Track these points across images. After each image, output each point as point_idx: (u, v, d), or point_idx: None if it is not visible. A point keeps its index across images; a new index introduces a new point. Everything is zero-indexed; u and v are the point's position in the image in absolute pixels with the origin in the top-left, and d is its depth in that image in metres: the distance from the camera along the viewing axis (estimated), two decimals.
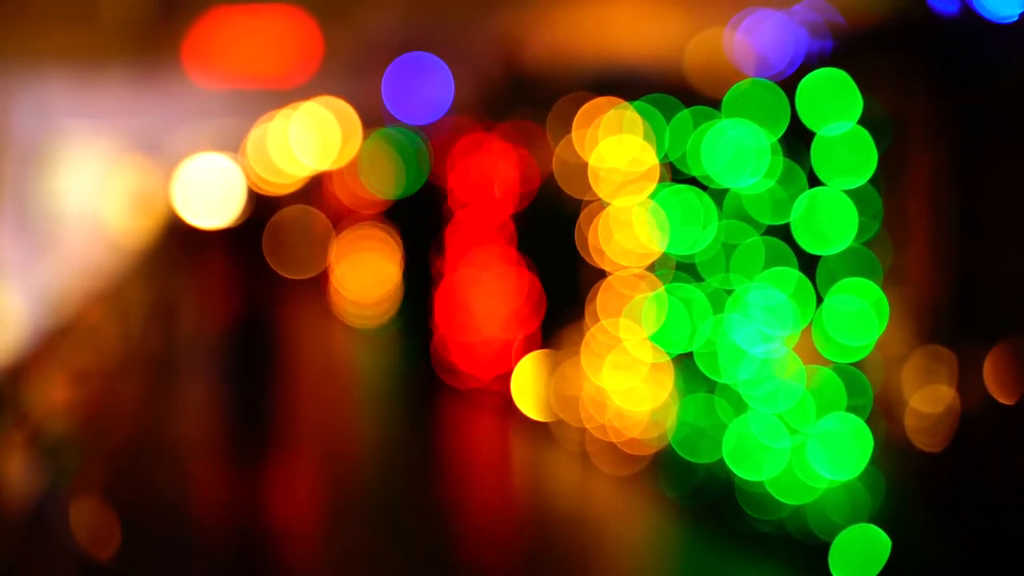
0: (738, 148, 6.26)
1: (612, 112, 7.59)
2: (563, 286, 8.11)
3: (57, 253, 16.88)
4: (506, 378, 8.87)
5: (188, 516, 6.58)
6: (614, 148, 7.58)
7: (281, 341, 7.26)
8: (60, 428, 6.23)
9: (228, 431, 7.77)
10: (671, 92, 6.98)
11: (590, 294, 7.68)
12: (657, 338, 7.00)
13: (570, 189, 8.07)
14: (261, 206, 7.17)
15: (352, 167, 14.32)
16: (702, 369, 6.51)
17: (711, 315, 6.50)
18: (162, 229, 15.93)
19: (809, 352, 5.70)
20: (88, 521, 5.95)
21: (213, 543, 6.22)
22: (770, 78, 6.01)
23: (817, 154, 5.64)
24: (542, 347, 8.50)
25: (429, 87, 12.06)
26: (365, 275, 13.61)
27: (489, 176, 9.53)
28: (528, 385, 8.50)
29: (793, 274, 5.83)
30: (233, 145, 16.26)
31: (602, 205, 7.63)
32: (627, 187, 7.39)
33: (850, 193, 5.49)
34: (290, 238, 12.21)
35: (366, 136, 13.97)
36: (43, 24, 12.47)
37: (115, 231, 16.99)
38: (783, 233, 5.92)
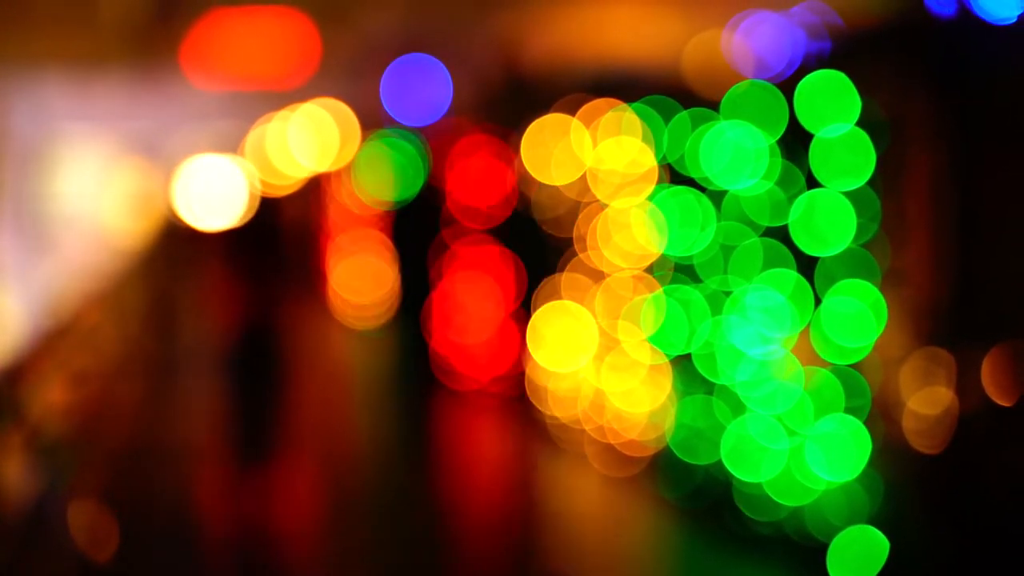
0: (736, 150, 6.26)
1: (611, 114, 7.60)
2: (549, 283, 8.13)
3: (56, 255, 16.88)
4: (505, 379, 8.88)
5: (187, 517, 6.57)
6: (612, 150, 7.58)
7: (283, 343, 7.24)
8: (58, 429, 6.22)
9: (227, 432, 7.77)
10: (669, 94, 6.98)
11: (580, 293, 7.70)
12: (655, 340, 7.00)
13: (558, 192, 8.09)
14: (263, 208, 7.14)
15: (350, 170, 14.32)
16: (700, 371, 6.51)
17: (709, 317, 6.50)
18: (161, 231, 15.94)
19: (807, 354, 5.70)
20: (86, 523, 5.94)
21: (212, 544, 6.21)
22: (768, 80, 6.02)
23: (815, 156, 5.64)
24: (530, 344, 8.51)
25: (427, 89, 12.06)
26: (363, 276, 13.61)
27: (486, 178, 9.54)
28: (527, 386, 8.50)
29: (791, 276, 5.83)
30: (232, 147, 16.27)
31: (601, 206, 7.64)
32: (625, 189, 7.39)
33: (848, 195, 5.49)
34: (291, 239, 12.20)
35: (364, 139, 13.97)
36: (42, 26, 12.48)
37: (114, 233, 16.99)
38: (781, 235, 5.92)
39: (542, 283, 8.31)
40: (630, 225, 7.32)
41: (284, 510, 6.84)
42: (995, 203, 4.88)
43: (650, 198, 7.11)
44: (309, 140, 16.22)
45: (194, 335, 11.54)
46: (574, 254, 7.94)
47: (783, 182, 5.93)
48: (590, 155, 7.81)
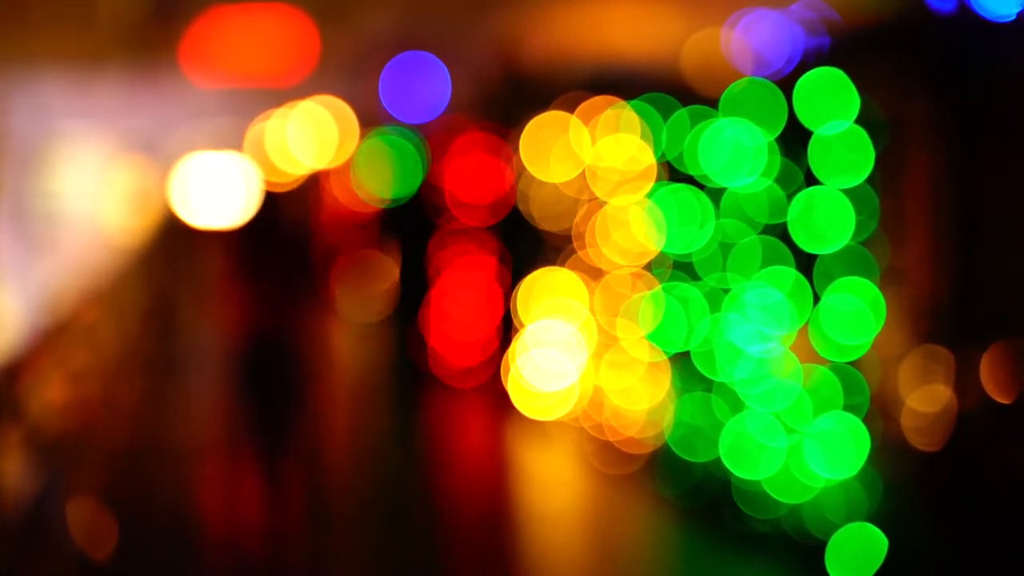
0: (735, 147, 6.25)
1: (609, 111, 7.59)
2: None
3: (54, 253, 16.88)
4: (504, 377, 8.87)
5: (185, 515, 6.57)
6: (611, 147, 7.58)
7: (298, 350, 7.03)
8: (57, 427, 6.22)
9: (225, 431, 7.75)
10: (668, 91, 6.98)
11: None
12: (654, 337, 7.00)
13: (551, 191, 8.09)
14: (267, 204, 7.05)
15: (348, 168, 14.31)
16: (699, 368, 6.51)
17: (708, 314, 6.49)
18: (160, 228, 15.93)
19: (806, 351, 5.70)
20: (85, 520, 5.94)
21: (210, 542, 6.21)
22: (767, 77, 6.01)
23: (814, 153, 5.64)
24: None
25: (426, 86, 12.05)
26: (364, 272, 13.59)
27: (482, 175, 9.54)
28: (524, 384, 8.50)
29: (790, 273, 5.83)
30: (231, 144, 16.27)
31: (599, 204, 7.63)
32: (624, 186, 7.39)
33: (847, 192, 5.49)
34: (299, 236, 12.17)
35: (364, 137, 13.96)
36: (41, 25, 12.47)
37: (112, 231, 16.98)
38: (780, 232, 5.92)
39: (537, 278, 8.31)
40: (629, 222, 7.32)
41: (283, 509, 6.83)
42: (994, 200, 4.87)
43: (649, 195, 7.11)
44: (308, 137, 16.21)
45: (193, 333, 11.54)
46: (573, 251, 7.94)
47: (782, 180, 5.93)
48: (589, 152, 7.81)
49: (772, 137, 5.98)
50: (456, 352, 9.83)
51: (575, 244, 7.89)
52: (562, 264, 8.06)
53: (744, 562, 5.88)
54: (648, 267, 7.11)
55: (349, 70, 13.84)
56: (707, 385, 6.44)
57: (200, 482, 7.21)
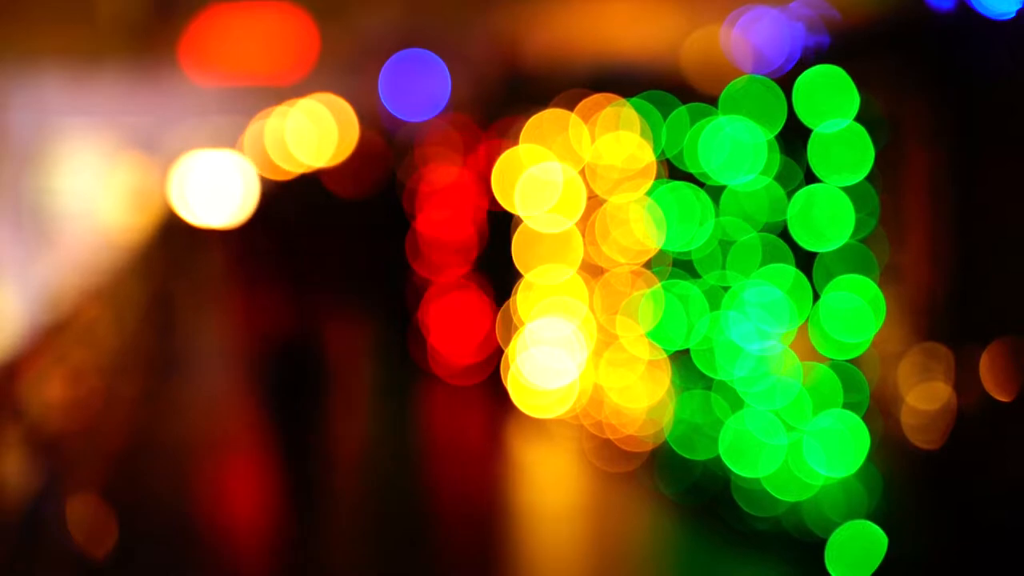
0: (735, 145, 6.25)
1: (609, 109, 7.59)
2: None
3: (54, 250, 16.88)
4: (504, 376, 8.87)
5: (184, 514, 6.57)
6: (611, 145, 7.58)
7: (325, 357, 6.75)
8: (56, 425, 6.22)
9: (225, 430, 7.76)
10: (668, 89, 6.97)
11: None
12: (654, 335, 7.00)
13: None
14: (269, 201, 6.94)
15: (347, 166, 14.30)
16: (699, 366, 6.51)
17: (708, 312, 6.50)
18: (159, 226, 15.92)
19: (806, 349, 5.70)
20: (84, 519, 5.94)
21: (209, 541, 6.21)
22: (767, 75, 6.01)
23: (814, 151, 5.64)
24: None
25: (426, 84, 12.05)
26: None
27: (478, 174, 9.53)
28: (524, 382, 8.50)
29: (790, 271, 5.83)
30: (230, 142, 16.27)
31: (599, 201, 7.63)
32: (624, 184, 7.39)
33: (847, 190, 5.49)
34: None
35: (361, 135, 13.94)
36: (40, 23, 12.48)
37: (112, 228, 16.98)
38: (780, 230, 5.92)
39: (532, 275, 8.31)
40: (628, 220, 7.32)
41: (282, 509, 6.84)
42: (994, 198, 4.87)
43: (648, 193, 7.11)
44: (307, 136, 16.20)
45: (194, 331, 11.55)
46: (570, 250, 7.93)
47: (781, 177, 5.93)
48: (588, 150, 7.81)
49: (772, 135, 5.98)
50: (456, 350, 9.83)
51: (575, 243, 7.89)
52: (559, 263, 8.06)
53: (744, 560, 5.89)
54: (648, 265, 7.11)
55: (348, 68, 13.85)
56: (707, 383, 6.44)
57: (201, 480, 7.22)
